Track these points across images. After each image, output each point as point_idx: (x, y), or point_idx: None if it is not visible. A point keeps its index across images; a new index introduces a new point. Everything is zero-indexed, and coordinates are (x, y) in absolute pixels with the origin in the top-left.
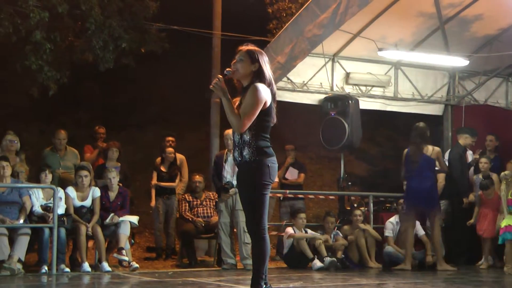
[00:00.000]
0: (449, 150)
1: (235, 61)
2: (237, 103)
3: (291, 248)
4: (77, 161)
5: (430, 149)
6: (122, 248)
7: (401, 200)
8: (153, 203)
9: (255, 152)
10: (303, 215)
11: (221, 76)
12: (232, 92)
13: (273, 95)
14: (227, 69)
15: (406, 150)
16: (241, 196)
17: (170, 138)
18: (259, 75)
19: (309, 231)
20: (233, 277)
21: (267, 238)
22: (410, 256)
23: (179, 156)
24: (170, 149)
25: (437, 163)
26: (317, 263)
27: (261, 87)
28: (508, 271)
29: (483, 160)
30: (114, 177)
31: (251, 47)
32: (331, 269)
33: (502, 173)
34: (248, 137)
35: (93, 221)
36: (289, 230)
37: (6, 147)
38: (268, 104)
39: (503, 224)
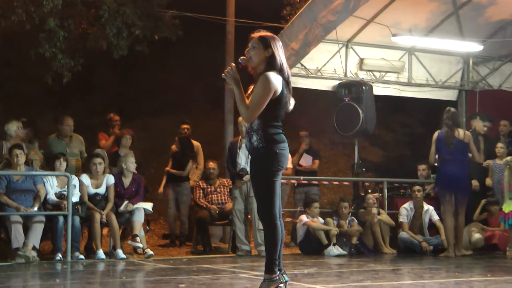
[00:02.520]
0: None
1: (248, 49)
2: (249, 91)
3: (307, 235)
4: (83, 148)
5: (462, 133)
6: (137, 235)
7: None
8: (160, 189)
9: (263, 139)
10: (317, 204)
11: (233, 65)
12: (247, 79)
13: (286, 81)
14: (241, 57)
15: (436, 134)
16: (252, 183)
17: (185, 126)
18: (271, 61)
19: (320, 219)
20: (248, 263)
21: (279, 224)
22: (452, 243)
23: (195, 143)
24: (176, 138)
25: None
26: (333, 249)
27: (272, 76)
28: (510, 255)
29: (500, 145)
30: (132, 162)
31: (263, 33)
32: (347, 256)
33: (505, 159)
34: (257, 124)
35: (108, 208)
36: (304, 218)
37: (15, 134)
38: (278, 92)
39: (507, 209)
